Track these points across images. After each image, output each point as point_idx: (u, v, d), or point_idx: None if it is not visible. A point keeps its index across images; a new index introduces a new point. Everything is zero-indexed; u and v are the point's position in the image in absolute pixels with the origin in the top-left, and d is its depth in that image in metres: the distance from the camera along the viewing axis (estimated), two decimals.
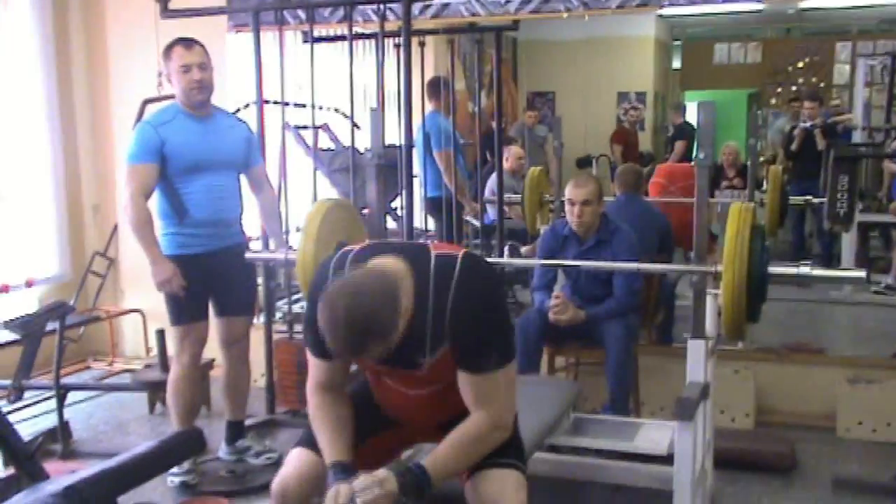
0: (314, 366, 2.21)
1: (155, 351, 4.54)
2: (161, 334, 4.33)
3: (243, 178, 3.65)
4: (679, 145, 8.59)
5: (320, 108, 5.26)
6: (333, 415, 2.17)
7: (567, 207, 3.80)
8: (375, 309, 1.85)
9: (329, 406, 2.19)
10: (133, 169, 3.33)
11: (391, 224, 5.21)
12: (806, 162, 6.93)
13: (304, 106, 4.48)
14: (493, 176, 5.59)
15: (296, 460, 2.21)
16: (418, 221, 5.94)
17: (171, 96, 3.54)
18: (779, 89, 10.82)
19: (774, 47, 11.01)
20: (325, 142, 5.85)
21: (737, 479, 3.48)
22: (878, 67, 6.97)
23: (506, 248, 5.04)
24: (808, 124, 7.12)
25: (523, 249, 5.58)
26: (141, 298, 5.09)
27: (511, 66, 9.68)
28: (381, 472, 1.97)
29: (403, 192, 4.38)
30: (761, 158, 7.84)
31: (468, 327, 2.00)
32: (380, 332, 1.87)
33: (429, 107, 5.54)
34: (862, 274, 2.87)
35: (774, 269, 2.64)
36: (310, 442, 2.20)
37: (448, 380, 2.08)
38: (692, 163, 6.15)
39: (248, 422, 3.93)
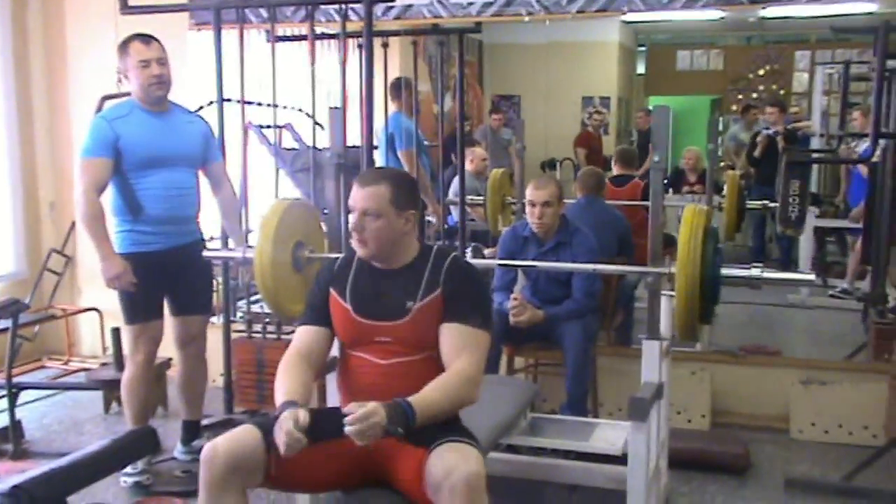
0: (298, 333, 2.45)
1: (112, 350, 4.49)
2: (116, 333, 4.28)
3: (202, 176, 3.62)
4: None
5: (283, 107, 5.27)
6: (298, 373, 2.30)
7: (528, 209, 3.83)
8: (405, 176, 2.48)
9: (296, 365, 2.33)
10: (86, 163, 3.29)
11: None
12: (768, 168, 7.01)
13: (266, 105, 4.46)
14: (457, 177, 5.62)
15: (234, 431, 2.23)
16: None
17: (130, 93, 3.50)
18: (740, 96, 10.96)
19: (736, 55, 11.16)
20: (288, 141, 5.83)
21: (692, 478, 3.51)
22: (836, 76, 7.08)
23: (468, 250, 5.05)
24: (770, 130, 7.21)
25: (486, 251, 5.60)
26: (99, 297, 5.03)
27: (477, 69, 9.70)
28: (370, 404, 2.06)
29: None
30: (722, 164, 7.94)
31: (461, 282, 2.32)
32: (395, 183, 2.29)
33: (392, 107, 5.54)
34: (811, 276, 2.93)
35: (727, 271, 2.67)
36: (255, 420, 2.26)
37: (421, 346, 2.30)
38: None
39: (205, 421, 3.90)
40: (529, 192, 3.82)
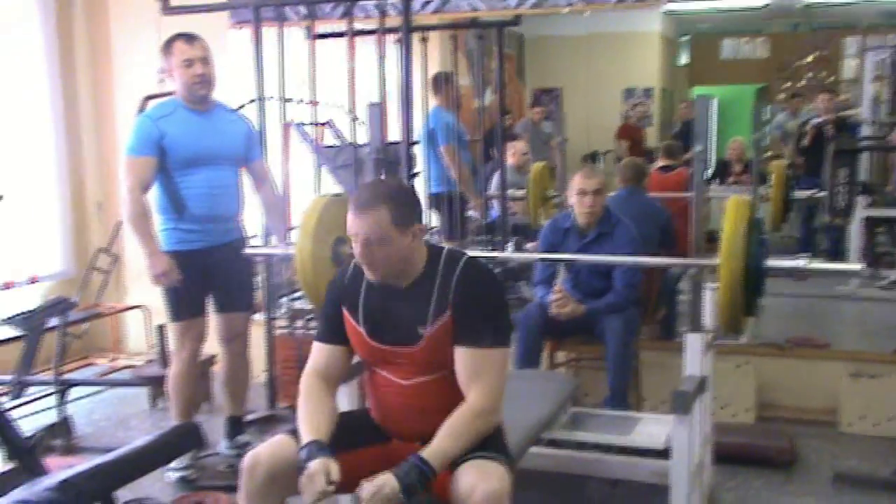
0: (315, 351, 2.39)
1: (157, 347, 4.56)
2: (161, 330, 4.34)
3: (244, 174, 3.66)
4: None
5: (324, 104, 5.29)
6: (318, 400, 2.29)
7: (577, 198, 3.80)
8: (402, 189, 2.29)
9: (317, 392, 2.30)
10: (131, 161, 3.34)
11: None
12: (816, 157, 6.86)
13: (306, 102, 4.49)
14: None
15: (273, 441, 2.26)
16: (423, 218, 5.94)
17: (172, 93, 3.55)
18: (787, 84, 10.78)
19: (782, 42, 10.97)
20: (329, 138, 5.86)
21: (736, 473, 3.47)
22: (887, 61, 6.91)
23: (510, 244, 5.04)
24: (819, 119, 7.08)
25: (528, 245, 5.58)
26: (144, 294, 5.09)
27: (516, 63, 9.67)
28: (382, 476, 2.02)
29: None
30: (768, 153, 7.81)
31: (470, 300, 2.19)
32: (393, 202, 2.15)
33: (433, 102, 5.54)
34: (859, 267, 2.86)
35: (772, 263, 2.63)
36: (292, 431, 2.26)
37: (441, 366, 2.22)
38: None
39: (248, 417, 3.94)
40: (579, 181, 3.81)
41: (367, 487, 2.01)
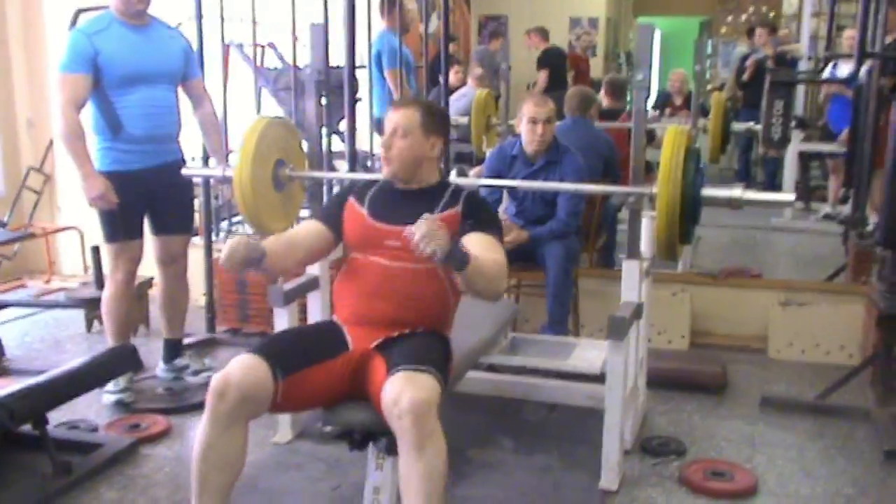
0: (301, 224, 2.75)
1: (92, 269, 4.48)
2: (96, 251, 4.27)
3: (182, 94, 3.56)
4: (541, 75, 7.97)
5: (265, 24, 5.16)
6: (277, 238, 2.53)
7: (528, 126, 3.77)
8: (437, 107, 2.69)
9: (278, 237, 2.56)
10: (64, 78, 3.22)
11: (339, 145, 5.16)
12: (756, 91, 6.94)
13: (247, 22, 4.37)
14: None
15: (242, 362, 2.22)
16: (366, 143, 5.88)
17: (106, 6, 3.41)
18: (730, 17, 10.83)
19: None
20: (271, 60, 5.73)
21: (670, 397, 3.56)
22: None
23: (453, 171, 5.02)
24: (760, 54, 7.14)
25: (471, 171, 5.56)
26: (78, 215, 4.98)
27: None
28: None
29: (346, 113, 4.33)
30: (709, 86, 7.88)
31: (479, 206, 2.50)
32: (425, 109, 2.45)
33: (380, 25, 5.44)
34: (791, 197, 2.92)
35: (708, 192, 2.66)
36: (258, 349, 2.27)
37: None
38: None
39: (187, 340, 3.91)
40: (530, 109, 3.77)
41: (423, 223, 2.08)
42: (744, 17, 10.67)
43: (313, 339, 2.44)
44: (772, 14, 10.26)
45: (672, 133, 2.62)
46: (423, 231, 2.04)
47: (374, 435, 2.34)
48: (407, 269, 2.38)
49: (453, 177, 4.42)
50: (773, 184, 6.89)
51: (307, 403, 2.41)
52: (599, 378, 2.93)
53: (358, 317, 2.43)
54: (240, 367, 2.20)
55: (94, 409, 3.38)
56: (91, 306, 4.26)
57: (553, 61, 8.08)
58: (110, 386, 3.40)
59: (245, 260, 2.25)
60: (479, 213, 2.45)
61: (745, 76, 7.22)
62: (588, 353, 3.27)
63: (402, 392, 2.06)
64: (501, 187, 3.85)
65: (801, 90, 6.36)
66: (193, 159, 4.12)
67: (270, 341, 2.44)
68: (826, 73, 5.17)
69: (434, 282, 2.39)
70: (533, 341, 3.51)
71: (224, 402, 2.16)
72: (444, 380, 2.20)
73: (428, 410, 2.06)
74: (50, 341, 4.30)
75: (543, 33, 8.29)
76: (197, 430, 2.23)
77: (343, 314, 2.48)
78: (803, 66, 7.16)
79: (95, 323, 4.32)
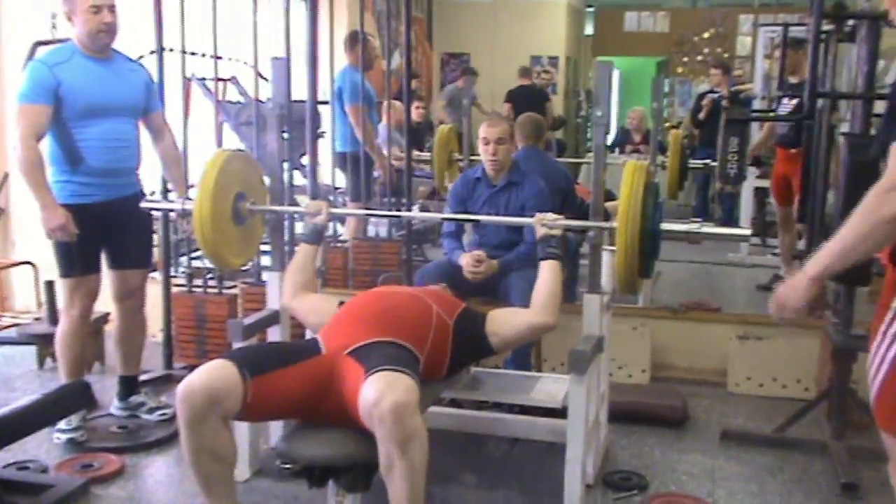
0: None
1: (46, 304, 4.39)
2: (50, 286, 4.19)
3: (142, 127, 3.53)
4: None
5: (227, 59, 5.16)
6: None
7: (481, 148, 3.80)
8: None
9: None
10: (24, 109, 3.18)
11: (300, 180, 5.15)
12: (712, 129, 7.08)
13: (209, 56, 4.36)
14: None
15: (207, 365, 2.27)
16: (328, 178, 5.88)
17: (65, 39, 3.38)
18: (685, 58, 11.07)
19: (682, 17, 11.27)
20: (233, 94, 5.72)
21: (631, 431, 3.57)
22: (777, 39, 7.16)
23: (415, 207, 5.02)
24: (716, 94, 7.30)
25: (433, 205, 5.58)
26: (32, 250, 4.89)
27: (426, 26, 9.62)
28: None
29: (308, 147, 4.34)
30: (667, 124, 8.00)
31: None
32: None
33: (345, 61, 5.46)
34: (748, 232, 2.97)
35: (667, 226, 2.70)
36: (225, 355, 2.34)
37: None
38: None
39: (143, 377, 3.84)
40: (483, 130, 3.79)
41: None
42: (699, 57, 10.90)
43: (284, 345, 2.62)
44: (726, 55, 10.50)
45: (631, 168, 2.65)
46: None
47: (333, 471, 2.32)
48: (397, 292, 2.62)
49: (415, 212, 4.44)
50: (731, 219, 7.00)
51: (280, 407, 2.41)
52: (561, 412, 2.92)
53: (337, 330, 2.53)
54: (204, 369, 2.25)
55: (44, 448, 3.29)
56: (44, 342, 4.17)
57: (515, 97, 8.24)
58: (62, 424, 3.32)
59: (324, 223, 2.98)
60: None
61: (702, 114, 7.36)
62: (550, 387, 3.26)
63: (383, 395, 2.10)
64: (463, 221, 3.82)
65: (755, 127, 6.49)
66: (153, 193, 4.08)
67: (240, 348, 2.57)
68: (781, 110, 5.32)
69: (420, 305, 2.65)
70: (495, 375, 3.49)
71: (192, 407, 2.20)
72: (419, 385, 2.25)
73: (408, 410, 2.12)
74: (0, 379, 4.19)
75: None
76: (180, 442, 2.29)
77: (325, 330, 2.58)
78: (757, 104, 7.33)
79: (48, 360, 4.23)
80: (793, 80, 5.33)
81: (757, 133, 6.43)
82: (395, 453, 2.13)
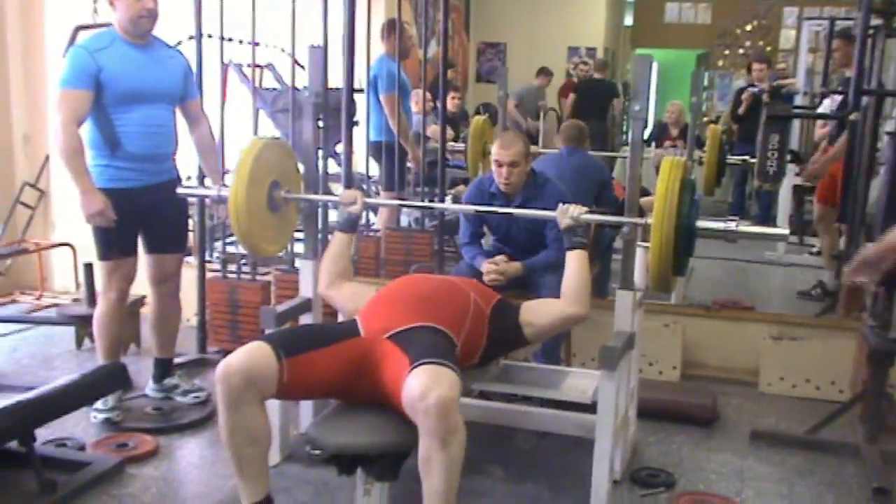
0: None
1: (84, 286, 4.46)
2: (89, 268, 4.25)
3: (178, 114, 3.56)
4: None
5: (264, 45, 5.18)
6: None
7: (494, 168, 3.61)
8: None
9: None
10: (65, 94, 3.21)
11: (334, 168, 5.18)
12: (751, 125, 6.99)
13: (246, 42, 4.39)
14: None
15: (246, 347, 2.36)
16: (362, 166, 5.90)
17: (106, 24, 3.42)
18: (726, 51, 10.92)
19: (724, 8, 11.09)
20: (269, 81, 5.76)
21: (660, 429, 3.55)
22: (822, 33, 7.05)
23: (448, 197, 5.03)
24: (756, 88, 7.20)
25: (451, 190, 5.55)
26: (72, 232, 4.97)
27: (463, 16, 9.60)
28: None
29: (343, 136, 4.35)
30: (705, 118, 7.93)
31: None
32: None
33: (381, 49, 5.47)
34: (785, 231, 2.93)
35: (703, 224, 2.67)
36: (262, 336, 2.42)
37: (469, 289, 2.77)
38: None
39: (178, 360, 3.89)
40: (495, 151, 3.58)
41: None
42: (741, 50, 10.75)
43: (321, 327, 2.68)
44: (768, 48, 10.34)
45: (668, 164, 2.63)
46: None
47: (362, 459, 2.34)
48: (434, 278, 2.72)
49: (448, 203, 4.44)
50: (767, 217, 6.92)
51: (315, 387, 2.50)
52: (590, 408, 2.92)
53: (376, 313, 2.59)
54: (242, 351, 2.34)
55: (81, 427, 3.35)
56: (82, 323, 4.24)
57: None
58: (99, 404, 3.38)
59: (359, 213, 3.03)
60: None
61: (741, 109, 7.27)
62: (579, 382, 3.26)
63: (430, 389, 2.15)
64: (486, 213, 3.72)
65: (796, 124, 6.40)
66: (189, 178, 4.12)
67: (276, 331, 2.66)
68: (823, 108, 5.22)
69: (458, 291, 2.72)
70: (524, 369, 3.49)
71: (229, 387, 2.29)
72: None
73: (453, 406, 2.17)
74: (39, 358, 4.27)
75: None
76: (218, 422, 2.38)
77: (363, 313, 2.63)
78: (799, 100, 7.22)
79: (86, 340, 4.30)
80: (847, 73, 5.16)
81: (797, 131, 6.32)
82: (436, 447, 2.17)
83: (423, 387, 2.16)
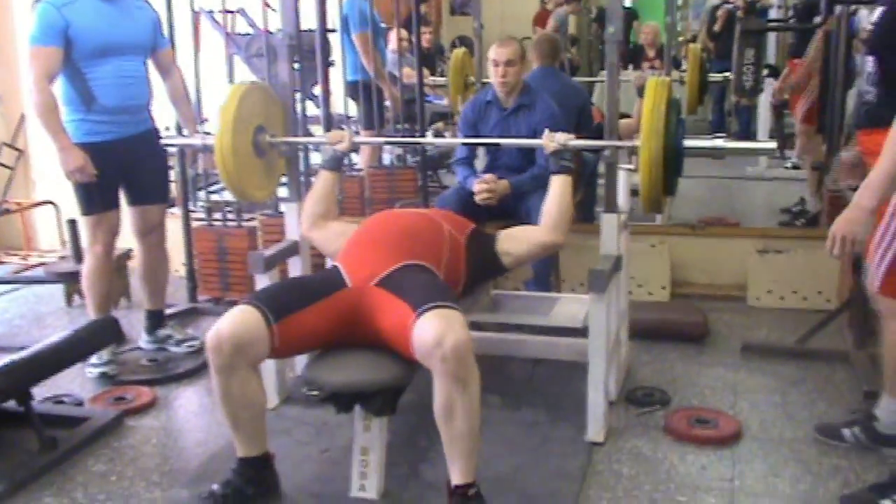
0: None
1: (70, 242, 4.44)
2: (73, 224, 4.23)
3: (150, 64, 3.51)
4: None
5: None
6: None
7: (491, 70, 3.68)
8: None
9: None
10: (36, 51, 3.16)
11: (313, 110, 5.12)
12: (727, 41, 6.93)
13: None
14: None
15: (233, 314, 2.30)
16: (340, 107, 5.84)
17: None
18: None
19: None
20: (242, 27, 5.66)
21: (652, 348, 3.60)
22: None
23: (428, 132, 5.00)
24: (730, 4, 7.14)
25: (447, 133, 5.54)
26: (53, 190, 4.93)
27: None
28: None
29: (319, 77, 4.29)
30: (681, 38, 7.86)
31: None
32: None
33: None
34: (772, 145, 2.93)
35: (690, 143, 2.67)
36: (249, 298, 2.36)
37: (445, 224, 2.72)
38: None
39: (169, 311, 3.90)
40: (492, 52, 3.67)
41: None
42: None
43: (307, 281, 2.61)
44: None
45: (653, 85, 2.61)
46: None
47: (360, 397, 2.36)
48: (405, 213, 2.68)
49: (429, 137, 4.42)
50: (748, 133, 6.92)
51: (308, 345, 2.49)
52: (582, 332, 2.95)
53: (356, 258, 2.54)
54: (230, 319, 2.28)
55: (78, 383, 3.37)
56: (71, 280, 4.24)
57: None
58: (94, 359, 3.39)
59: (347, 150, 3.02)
60: None
61: (716, 26, 7.21)
62: (570, 307, 3.28)
63: (445, 334, 2.13)
64: (474, 145, 3.77)
65: (772, 38, 6.36)
66: (168, 129, 4.08)
67: (263, 289, 2.58)
68: None
69: (431, 223, 2.68)
70: (515, 298, 3.52)
71: (221, 356, 2.26)
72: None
73: (469, 348, 2.16)
74: (31, 317, 4.27)
75: None
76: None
77: (343, 259, 2.58)
78: (774, 14, 7.16)
79: (76, 297, 4.30)
80: None
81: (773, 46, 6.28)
82: (458, 390, 2.16)
83: (437, 333, 2.13)
